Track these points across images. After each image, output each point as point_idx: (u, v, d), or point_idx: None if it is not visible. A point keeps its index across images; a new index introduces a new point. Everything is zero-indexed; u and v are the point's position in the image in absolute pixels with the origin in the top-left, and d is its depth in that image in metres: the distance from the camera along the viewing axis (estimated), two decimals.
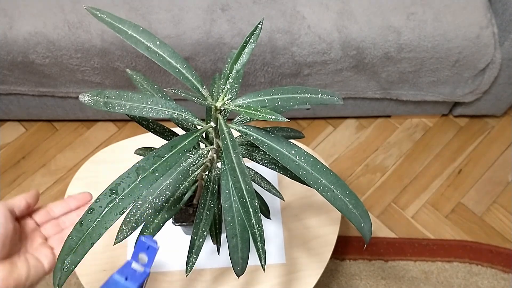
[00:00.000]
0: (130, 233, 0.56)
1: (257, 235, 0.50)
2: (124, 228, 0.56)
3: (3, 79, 1.28)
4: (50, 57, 1.19)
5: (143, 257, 0.37)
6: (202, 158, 0.61)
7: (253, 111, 0.50)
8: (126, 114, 0.54)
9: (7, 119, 1.55)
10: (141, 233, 0.61)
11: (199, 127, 0.56)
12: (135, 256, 0.36)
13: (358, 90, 1.36)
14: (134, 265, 0.36)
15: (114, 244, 0.56)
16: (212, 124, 0.55)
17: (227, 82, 0.55)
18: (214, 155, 0.62)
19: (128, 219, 0.57)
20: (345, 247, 1.35)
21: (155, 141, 0.69)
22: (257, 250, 0.52)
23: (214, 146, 0.61)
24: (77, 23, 1.16)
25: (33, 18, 1.16)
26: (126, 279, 0.36)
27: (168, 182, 0.58)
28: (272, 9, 1.18)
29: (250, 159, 0.65)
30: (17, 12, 1.16)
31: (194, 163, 0.60)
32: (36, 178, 1.46)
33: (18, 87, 1.31)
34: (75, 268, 0.41)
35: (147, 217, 0.58)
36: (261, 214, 0.76)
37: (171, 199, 0.62)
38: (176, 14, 1.17)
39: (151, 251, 0.36)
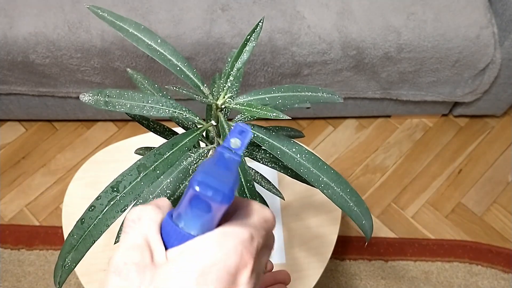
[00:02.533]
0: None
1: None
2: None
3: (3, 79, 1.28)
4: (50, 57, 1.19)
5: (236, 141, 0.35)
6: (203, 157, 0.61)
7: (254, 109, 0.50)
8: (127, 113, 0.54)
9: (7, 119, 1.55)
10: None
11: (199, 126, 0.56)
12: (227, 141, 0.35)
13: (358, 90, 1.36)
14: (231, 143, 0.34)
15: (114, 243, 0.56)
16: (213, 122, 0.55)
17: (228, 80, 0.55)
18: None
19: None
20: (345, 247, 1.35)
21: (155, 141, 0.69)
22: None
23: (215, 145, 0.61)
24: (77, 23, 1.16)
25: (33, 18, 1.16)
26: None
27: (168, 180, 0.58)
28: (272, 9, 1.18)
29: (250, 158, 0.65)
30: (17, 12, 1.16)
31: (194, 162, 0.60)
32: (36, 178, 1.46)
33: (18, 87, 1.31)
34: (76, 265, 0.41)
35: None
36: None
37: (172, 198, 0.62)
38: (176, 14, 1.17)
39: (245, 135, 0.34)
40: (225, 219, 0.32)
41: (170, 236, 0.30)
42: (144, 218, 0.30)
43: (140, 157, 0.62)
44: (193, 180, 0.29)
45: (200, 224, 0.31)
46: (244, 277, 0.29)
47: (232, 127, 0.36)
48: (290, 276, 0.47)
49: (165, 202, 0.33)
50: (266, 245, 0.33)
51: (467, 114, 1.54)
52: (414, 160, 1.51)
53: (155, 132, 0.67)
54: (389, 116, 1.59)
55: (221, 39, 1.17)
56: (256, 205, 0.33)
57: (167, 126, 0.68)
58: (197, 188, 0.29)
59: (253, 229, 0.31)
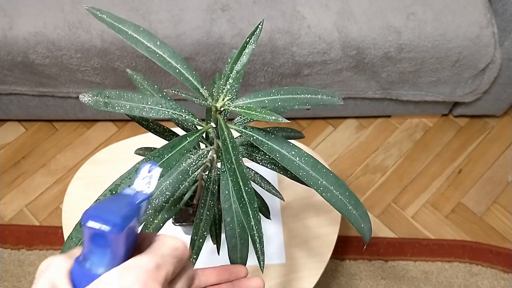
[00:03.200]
0: None
1: (256, 237, 0.50)
2: None
3: (3, 79, 1.28)
4: (50, 57, 1.19)
5: (147, 179, 0.36)
6: (202, 158, 0.61)
7: (253, 112, 0.50)
8: (126, 114, 0.54)
9: (7, 119, 1.55)
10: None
11: (199, 128, 0.56)
12: (138, 179, 0.36)
13: (358, 90, 1.36)
14: (138, 187, 0.35)
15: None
16: (212, 124, 0.55)
17: (227, 82, 0.55)
18: (214, 155, 0.62)
19: None
20: (345, 247, 1.35)
21: (155, 141, 0.69)
22: (256, 252, 0.52)
23: (214, 146, 0.61)
24: (77, 23, 1.16)
25: (33, 18, 1.16)
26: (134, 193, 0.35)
27: (168, 182, 0.58)
28: (272, 9, 1.18)
29: (250, 159, 0.65)
30: (17, 12, 1.16)
31: (194, 163, 0.60)
32: (36, 178, 1.46)
33: (18, 87, 1.31)
34: None
35: (147, 218, 0.58)
36: (261, 214, 0.76)
37: (171, 199, 0.62)
38: (176, 14, 1.17)
39: (155, 173, 0.36)
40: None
41: (79, 280, 0.30)
42: (52, 266, 0.31)
43: (140, 157, 0.62)
44: (83, 215, 0.30)
45: (104, 261, 0.31)
46: None
47: (140, 166, 0.37)
48: (263, 283, 0.47)
49: (77, 250, 0.33)
50: (181, 272, 0.35)
51: (467, 114, 1.54)
52: (414, 160, 1.51)
53: (155, 132, 0.67)
54: (389, 116, 1.59)
55: (221, 39, 1.17)
56: (165, 237, 0.35)
57: (166, 127, 0.68)
58: (88, 223, 0.30)
59: (160, 258, 0.32)
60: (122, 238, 0.31)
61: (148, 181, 0.36)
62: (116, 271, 0.31)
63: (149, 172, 0.36)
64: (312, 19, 1.18)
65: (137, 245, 0.35)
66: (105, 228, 0.30)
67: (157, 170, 0.36)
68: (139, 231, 0.35)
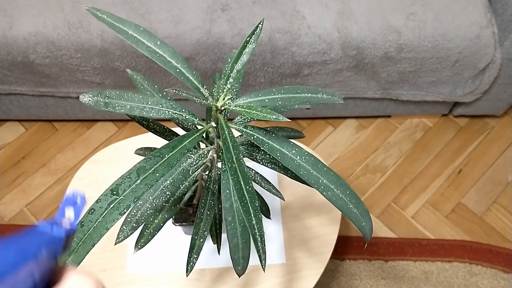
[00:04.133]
0: (131, 233, 0.56)
1: (257, 236, 0.50)
2: (125, 228, 0.56)
3: (3, 79, 1.28)
4: (50, 57, 1.19)
5: (71, 211, 0.34)
6: (203, 158, 0.61)
7: (254, 111, 0.50)
8: (127, 114, 0.54)
9: (7, 119, 1.55)
10: (141, 232, 0.61)
11: (199, 127, 0.56)
12: (61, 212, 0.34)
13: (358, 90, 1.36)
14: (61, 221, 0.33)
15: (115, 244, 0.56)
16: (213, 124, 0.55)
17: (228, 82, 0.55)
18: (215, 155, 0.62)
19: (129, 219, 0.57)
20: (345, 247, 1.35)
21: (155, 141, 0.69)
22: (258, 251, 0.52)
23: (215, 146, 0.61)
24: (77, 23, 1.16)
25: (33, 18, 1.16)
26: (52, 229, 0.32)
27: (168, 182, 0.58)
28: (272, 9, 1.18)
29: (250, 159, 0.65)
30: (17, 12, 1.16)
31: (194, 163, 0.60)
32: (36, 178, 1.46)
33: (18, 87, 1.31)
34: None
35: (147, 217, 0.58)
36: (261, 214, 0.76)
37: (172, 199, 0.62)
38: (176, 14, 1.17)
39: (80, 204, 0.34)
40: None
41: None
42: None
43: (140, 157, 0.62)
44: None
45: None
46: None
47: (64, 199, 0.35)
48: None
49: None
50: None
51: (467, 114, 1.54)
52: (414, 160, 1.51)
53: (155, 132, 0.67)
54: (389, 116, 1.59)
55: (221, 39, 1.17)
56: (74, 277, 0.32)
57: (166, 127, 0.68)
58: None
59: None
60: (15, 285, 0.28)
61: (72, 216, 0.34)
62: None
63: (74, 204, 0.34)
64: (312, 19, 1.18)
65: (56, 278, 0.32)
66: None
67: (82, 202, 0.34)
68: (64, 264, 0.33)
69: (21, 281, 0.28)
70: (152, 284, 0.88)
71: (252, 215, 0.48)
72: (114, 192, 0.43)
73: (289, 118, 0.49)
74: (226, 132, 0.52)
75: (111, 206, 0.42)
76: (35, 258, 0.29)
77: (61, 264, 0.32)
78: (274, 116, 0.48)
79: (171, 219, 0.80)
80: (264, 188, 0.71)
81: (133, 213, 0.57)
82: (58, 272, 0.33)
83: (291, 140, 0.54)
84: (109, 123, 1.56)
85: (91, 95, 0.51)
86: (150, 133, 0.66)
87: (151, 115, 0.52)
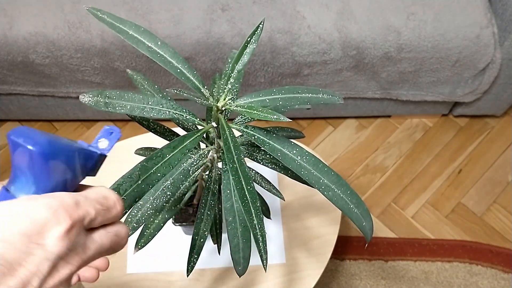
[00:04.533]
0: (131, 233, 0.56)
1: (258, 236, 0.50)
2: None
3: (3, 79, 1.28)
4: (50, 57, 1.19)
5: (105, 141, 0.39)
6: (203, 158, 0.61)
7: (255, 111, 0.50)
8: (127, 115, 0.54)
9: (7, 119, 1.55)
10: (142, 233, 0.61)
11: (200, 127, 0.56)
12: (96, 140, 0.39)
13: (358, 90, 1.36)
14: (98, 143, 0.38)
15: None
16: (213, 124, 0.55)
17: (228, 82, 0.55)
18: (215, 155, 0.62)
19: (130, 220, 0.57)
20: (345, 247, 1.35)
21: (155, 141, 0.69)
22: (259, 251, 0.52)
23: (215, 146, 0.61)
24: (77, 23, 1.16)
25: (33, 18, 1.16)
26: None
27: (169, 182, 0.58)
28: (272, 9, 1.18)
29: (250, 159, 0.65)
30: (17, 12, 1.16)
31: (195, 163, 0.60)
32: None
33: (18, 87, 1.31)
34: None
35: (148, 218, 0.58)
36: (262, 214, 0.76)
37: (172, 199, 0.62)
38: (176, 14, 1.17)
39: (114, 136, 0.39)
40: None
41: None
42: None
43: (140, 157, 0.62)
44: (12, 130, 0.31)
45: (26, 187, 0.31)
46: (53, 233, 0.28)
47: (102, 130, 0.40)
48: (108, 264, 0.45)
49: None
50: (108, 224, 0.34)
51: (467, 114, 1.54)
52: (414, 160, 1.51)
53: (155, 132, 0.67)
54: (389, 116, 1.59)
55: (221, 39, 1.17)
56: (99, 187, 0.36)
57: (167, 127, 0.68)
58: (12, 135, 0.30)
59: (83, 198, 0.32)
60: (47, 167, 0.31)
61: (106, 144, 0.39)
62: (30, 196, 0.30)
63: (110, 135, 0.39)
64: (312, 19, 1.18)
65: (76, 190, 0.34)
66: (27, 145, 0.29)
67: (117, 135, 0.39)
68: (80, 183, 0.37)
69: (59, 173, 0.33)
70: (152, 284, 0.88)
71: (254, 215, 0.48)
72: (115, 192, 0.43)
73: (289, 118, 0.49)
74: (227, 132, 0.52)
75: None
76: (72, 161, 0.34)
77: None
78: (275, 116, 0.48)
79: (171, 219, 0.80)
80: (264, 188, 0.71)
81: (133, 213, 0.57)
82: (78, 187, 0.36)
83: (292, 140, 0.54)
84: (109, 123, 1.56)
85: (91, 95, 0.51)
86: (150, 133, 0.66)
87: (151, 115, 0.52)
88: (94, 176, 0.40)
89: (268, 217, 0.78)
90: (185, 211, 0.82)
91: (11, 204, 0.29)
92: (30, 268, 0.28)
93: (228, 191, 0.54)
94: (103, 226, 0.34)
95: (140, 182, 0.44)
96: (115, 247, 0.35)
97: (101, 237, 0.33)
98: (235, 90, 0.60)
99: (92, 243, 0.32)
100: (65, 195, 0.31)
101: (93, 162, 0.38)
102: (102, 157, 0.39)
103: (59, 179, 0.33)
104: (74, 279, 0.43)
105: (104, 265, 0.44)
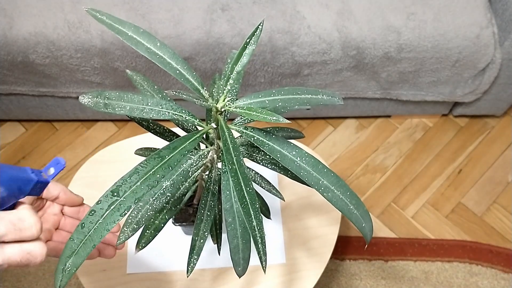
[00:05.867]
0: (132, 234, 0.56)
1: (258, 237, 0.50)
2: (126, 229, 0.56)
3: (3, 79, 1.28)
4: (50, 57, 1.19)
5: (51, 170, 0.49)
6: (203, 159, 0.61)
7: (254, 112, 0.50)
8: (126, 115, 0.54)
9: (7, 119, 1.55)
10: (142, 233, 0.61)
11: (199, 128, 0.56)
12: (45, 169, 0.49)
13: (358, 90, 1.36)
14: (44, 174, 0.47)
15: (116, 246, 0.56)
16: (213, 125, 0.55)
17: (228, 83, 0.55)
18: (215, 155, 0.62)
19: (130, 221, 0.57)
20: (345, 247, 1.35)
21: (155, 141, 0.69)
22: (258, 252, 0.52)
23: (215, 146, 0.61)
24: (77, 23, 1.16)
25: (33, 18, 1.16)
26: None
27: (169, 183, 0.58)
28: (272, 9, 1.18)
29: (250, 159, 0.65)
30: (17, 12, 1.16)
31: (194, 164, 0.60)
32: None
33: (18, 87, 1.31)
34: (76, 270, 0.41)
35: (148, 218, 0.58)
36: (262, 215, 0.76)
37: (172, 199, 0.62)
38: (176, 14, 1.17)
39: (58, 167, 0.49)
40: None
41: None
42: None
43: (140, 157, 0.62)
44: None
45: None
46: None
47: (52, 160, 0.50)
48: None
49: None
50: (14, 237, 0.40)
51: (467, 114, 1.54)
52: (414, 160, 1.51)
53: (155, 133, 0.67)
54: (389, 116, 1.59)
55: (221, 39, 1.17)
56: (21, 211, 0.41)
57: (166, 127, 0.68)
58: None
59: None
60: None
61: (52, 171, 0.48)
62: None
63: (56, 164, 0.49)
64: (312, 19, 1.18)
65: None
66: None
67: (61, 166, 0.49)
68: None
69: None
70: (152, 284, 0.88)
71: (253, 216, 0.49)
72: (115, 194, 0.43)
73: (289, 118, 0.49)
74: (226, 133, 0.52)
75: (112, 207, 0.42)
76: (6, 184, 0.42)
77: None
78: (274, 118, 0.48)
79: (171, 219, 0.81)
80: (264, 188, 0.71)
81: (133, 214, 0.57)
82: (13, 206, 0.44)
83: (291, 140, 0.54)
84: (109, 123, 1.56)
85: (90, 96, 0.51)
86: (150, 133, 0.67)
87: (151, 116, 0.52)
88: (38, 195, 0.48)
89: (268, 217, 0.78)
90: (185, 211, 0.82)
91: None
92: None
93: (228, 192, 0.54)
94: (20, 242, 0.40)
95: (139, 183, 0.44)
96: (27, 262, 0.41)
97: (12, 251, 0.40)
98: (234, 91, 0.60)
99: (0, 253, 0.39)
100: None
101: (30, 187, 0.44)
102: (42, 183, 0.46)
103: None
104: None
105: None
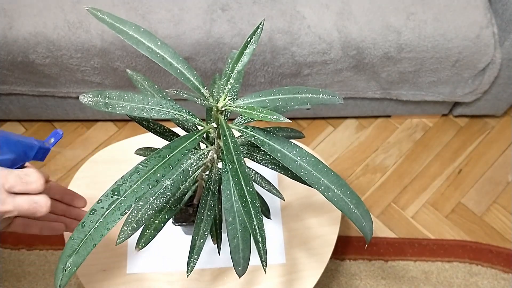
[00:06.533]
0: (132, 234, 0.56)
1: (258, 237, 0.50)
2: (126, 229, 0.56)
3: (3, 79, 1.28)
4: (50, 57, 1.19)
5: (51, 140, 0.58)
6: (203, 159, 0.61)
7: (255, 112, 0.50)
8: (127, 115, 0.54)
9: (7, 119, 1.55)
10: (142, 233, 0.61)
11: (200, 128, 0.56)
12: (47, 139, 0.58)
13: (358, 90, 1.36)
14: (46, 143, 0.57)
15: (116, 245, 0.56)
16: (213, 124, 0.56)
17: (228, 82, 0.55)
18: (215, 155, 0.62)
19: (130, 220, 0.57)
20: (345, 247, 1.35)
21: (155, 141, 0.69)
22: (259, 252, 0.52)
23: (215, 146, 0.61)
24: (77, 23, 1.16)
25: (33, 18, 1.16)
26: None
27: (169, 182, 0.58)
28: (272, 9, 1.18)
29: (250, 159, 0.65)
30: (17, 12, 1.16)
31: (195, 163, 0.60)
32: None
33: (18, 87, 1.31)
34: (77, 269, 0.41)
35: (148, 218, 0.58)
36: (262, 215, 0.76)
37: (172, 199, 0.62)
38: (176, 14, 1.17)
39: (57, 137, 0.58)
40: None
41: None
42: None
43: (140, 157, 0.62)
44: None
45: None
46: None
47: (53, 131, 0.59)
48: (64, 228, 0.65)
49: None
50: (22, 188, 0.50)
51: (467, 114, 1.54)
52: (414, 160, 1.51)
53: (155, 133, 0.67)
54: (389, 116, 1.59)
55: (221, 39, 1.17)
56: (28, 169, 0.52)
57: (167, 127, 0.68)
58: None
59: (8, 172, 0.49)
60: None
61: (53, 141, 0.58)
62: None
63: (54, 137, 0.58)
64: (312, 19, 1.18)
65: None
66: None
67: (60, 136, 0.59)
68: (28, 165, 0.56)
69: (7, 155, 0.52)
70: (152, 284, 0.88)
71: (253, 216, 0.49)
72: (115, 193, 0.43)
73: (289, 118, 0.49)
74: (226, 132, 0.52)
75: (112, 206, 0.42)
76: (15, 149, 0.52)
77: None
78: (274, 117, 0.48)
79: (171, 219, 0.80)
80: (264, 188, 0.71)
81: (133, 214, 0.57)
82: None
83: (292, 140, 0.54)
84: (109, 123, 1.56)
85: (91, 96, 0.51)
86: (150, 133, 0.67)
87: (151, 115, 0.52)
88: (42, 161, 0.57)
89: (268, 217, 0.78)
90: (185, 211, 0.82)
91: None
92: None
93: (228, 192, 0.54)
94: (28, 194, 0.50)
95: (140, 182, 0.44)
96: (34, 211, 0.50)
97: (21, 200, 0.50)
98: (235, 91, 0.60)
99: (11, 201, 0.49)
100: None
101: (34, 152, 0.54)
102: (44, 150, 0.56)
103: (2, 158, 0.51)
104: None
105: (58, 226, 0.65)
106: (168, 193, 0.58)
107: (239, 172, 0.49)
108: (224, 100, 0.53)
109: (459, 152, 1.53)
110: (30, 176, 0.50)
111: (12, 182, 0.48)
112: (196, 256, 0.62)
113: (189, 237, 0.87)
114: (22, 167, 0.54)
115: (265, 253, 0.52)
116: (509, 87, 1.36)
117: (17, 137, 0.53)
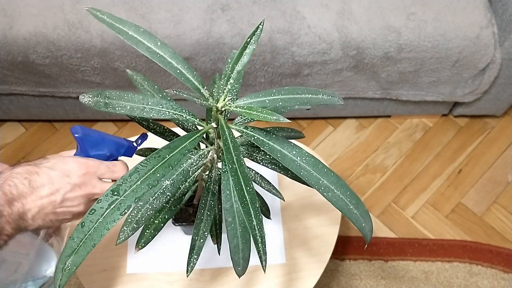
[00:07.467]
0: (132, 234, 0.56)
1: (258, 237, 0.50)
2: (126, 229, 0.56)
3: (3, 79, 1.28)
4: (50, 57, 1.19)
5: (139, 140, 0.69)
6: (203, 159, 0.61)
7: (254, 112, 0.50)
8: (127, 115, 0.54)
9: (7, 119, 1.55)
10: (142, 233, 0.61)
11: (200, 128, 0.56)
12: (135, 139, 0.69)
13: (358, 90, 1.36)
14: (134, 143, 0.68)
15: (116, 245, 0.56)
16: (213, 124, 0.56)
17: (228, 82, 0.55)
18: (215, 155, 0.62)
19: (129, 220, 0.57)
20: (345, 247, 1.35)
21: (156, 141, 0.69)
22: (258, 252, 0.52)
23: (215, 146, 0.61)
24: (77, 23, 1.16)
25: (33, 18, 1.16)
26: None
27: (169, 182, 0.58)
28: (272, 9, 1.18)
29: (250, 159, 0.65)
30: (17, 12, 1.16)
31: (194, 163, 0.60)
32: None
33: (18, 87, 1.31)
34: (76, 269, 0.41)
35: (147, 218, 0.58)
36: (262, 215, 0.76)
37: (172, 199, 0.62)
38: (176, 14, 1.17)
39: (143, 139, 0.70)
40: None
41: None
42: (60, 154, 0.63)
43: (139, 157, 0.62)
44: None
45: (79, 153, 0.62)
46: (75, 173, 0.57)
47: (140, 134, 0.69)
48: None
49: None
50: (109, 176, 0.61)
51: (467, 114, 1.54)
52: (414, 160, 1.51)
53: (155, 133, 0.67)
54: (389, 116, 1.59)
55: (221, 39, 1.17)
56: (117, 161, 0.63)
57: (167, 127, 0.68)
58: (72, 129, 0.60)
59: (99, 163, 0.60)
60: (86, 146, 0.61)
61: (140, 141, 0.68)
62: (74, 157, 0.59)
63: (141, 138, 0.69)
64: (312, 19, 1.18)
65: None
66: (74, 134, 0.59)
67: (145, 138, 0.69)
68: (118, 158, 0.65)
69: (99, 151, 0.62)
70: (152, 284, 0.88)
71: (253, 216, 0.49)
72: (115, 193, 0.43)
73: (289, 118, 0.49)
74: (226, 133, 0.52)
75: (112, 206, 0.42)
76: (108, 146, 0.63)
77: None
78: (274, 117, 0.48)
79: (171, 219, 0.80)
80: (264, 188, 0.71)
81: (133, 214, 0.57)
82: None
83: (291, 140, 0.54)
84: (109, 123, 1.56)
85: (91, 96, 0.51)
86: (150, 133, 0.67)
87: (151, 115, 0.52)
88: (131, 157, 0.67)
89: (268, 217, 0.78)
90: (185, 211, 0.82)
91: (69, 159, 0.58)
92: (59, 185, 0.55)
93: (228, 192, 0.54)
94: (113, 181, 0.60)
95: (139, 182, 0.44)
96: None
97: (107, 186, 0.58)
98: (234, 91, 0.60)
99: (100, 185, 0.59)
100: (92, 159, 0.60)
101: (124, 149, 0.65)
102: (133, 148, 0.66)
103: (100, 153, 0.62)
104: None
105: None
106: (168, 193, 0.58)
107: (239, 172, 0.49)
108: (224, 100, 0.53)
109: (459, 152, 1.53)
110: (116, 166, 0.61)
111: (102, 171, 0.59)
112: (196, 256, 0.62)
113: (189, 237, 0.87)
114: (116, 160, 0.65)
115: (265, 253, 0.52)
116: (509, 87, 1.36)
117: (111, 137, 0.63)
